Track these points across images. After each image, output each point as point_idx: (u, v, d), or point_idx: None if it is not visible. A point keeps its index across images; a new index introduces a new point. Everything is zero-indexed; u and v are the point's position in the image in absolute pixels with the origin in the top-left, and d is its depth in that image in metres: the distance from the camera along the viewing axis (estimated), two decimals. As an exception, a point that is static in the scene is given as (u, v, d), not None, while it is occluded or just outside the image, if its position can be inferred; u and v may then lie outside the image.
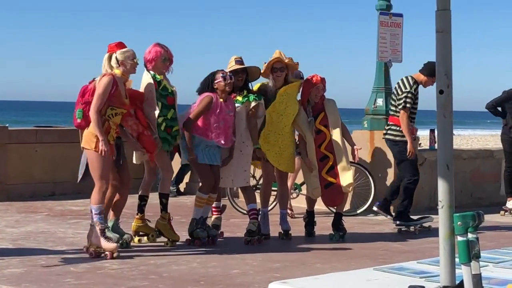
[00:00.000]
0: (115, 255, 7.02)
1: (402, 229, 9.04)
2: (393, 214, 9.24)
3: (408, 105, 8.80)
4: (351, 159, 8.61)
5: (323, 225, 8.84)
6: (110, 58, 7.26)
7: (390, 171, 10.54)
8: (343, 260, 7.26)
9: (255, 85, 8.47)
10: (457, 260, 2.99)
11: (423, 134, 13.78)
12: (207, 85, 7.88)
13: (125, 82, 7.40)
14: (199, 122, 7.80)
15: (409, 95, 8.82)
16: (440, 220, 3.08)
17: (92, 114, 7.02)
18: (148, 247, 7.69)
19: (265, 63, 8.36)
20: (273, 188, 8.92)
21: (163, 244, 7.79)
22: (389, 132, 9.10)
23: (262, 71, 8.37)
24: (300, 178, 9.85)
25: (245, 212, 9.24)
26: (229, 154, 7.98)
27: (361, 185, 10.37)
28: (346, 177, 8.35)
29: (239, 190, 9.48)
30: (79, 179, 7.39)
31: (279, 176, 8.56)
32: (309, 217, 8.68)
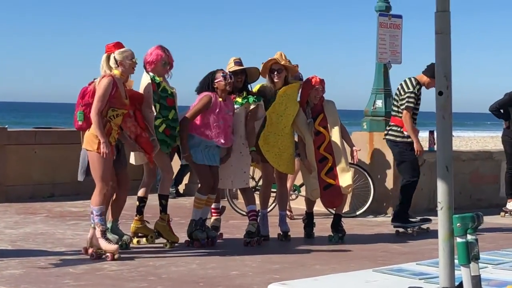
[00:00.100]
0: (116, 256, 7.02)
1: (400, 230, 9.04)
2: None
3: (411, 105, 8.80)
4: (350, 160, 8.61)
5: (322, 227, 8.84)
6: (108, 58, 7.24)
7: (389, 172, 10.55)
8: (342, 262, 7.25)
9: (254, 87, 8.47)
10: (456, 261, 2.99)
11: (423, 136, 13.80)
12: (207, 84, 7.87)
13: (124, 82, 7.40)
14: (199, 122, 7.79)
15: (412, 95, 8.83)
16: (439, 222, 3.08)
17: (93, 116, 7.01)
18: (147, 249, 7.69)
19: (263, 63, 8.36)
20: (272, 190, 8.92)
21: (162, 245, 7.79)
22: (390, 132, 9.10)
23: (260, 72, 8.37)
24: (299, 180, 9.85)
25: (244, 213, 9.24)
26: (226, 153, 7.97)
27: (360, 187, 10.37)
28: (345, 179, 8.35)
29: (238, 192, 9.48)
30: (82, 178, 7.34)
31: (278, 177, 8.56)
32: (308, 219, 8.68)
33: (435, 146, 3.97)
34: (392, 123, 9.12)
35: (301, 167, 8.61)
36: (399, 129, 8.96)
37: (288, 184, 9.37)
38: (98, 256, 7.05)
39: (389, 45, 11.04)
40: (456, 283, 3.03)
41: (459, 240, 2.94)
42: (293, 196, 10.44)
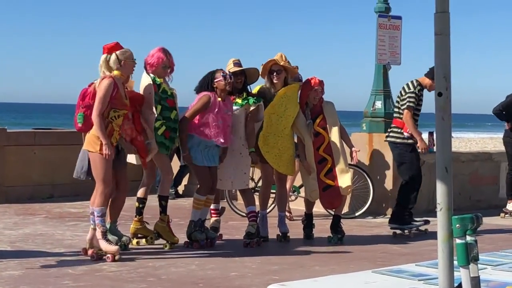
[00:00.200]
0: (116, 257, 7.01)
1: (397, 232, 9.03)
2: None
3: (411, 105, 8.80)
4: (349, 161, 8.60)
5: (322, 228, 8.84)
6: (107, 59, 7.21)
7: (389, 173, 10.55)
8: (342, 263, 7.25)
9: (254, 88, 8.46)
10: (455, 262, 2.99)
11: (422, 137, 13.76)
12: (206, 84, 7.87)
13: (124, 82, 7.39)
14: (198, 122, 7.78)
15: (413, 95, 8.84)
16: (439, 223, 3.07)
17: (94, 118, 7.00)
18: (147, 250, 7.68)
19: (262, 64, 8.36)
20: (272, 191, 8.91)
21: (161, 246, 7.78)
22: (390, 134, 9.11)
23: (260, 73, 8.37)
24: (298, 181, 9.85)
25: (243, 214, 9.24)
26: (222, 152, 7.94)
27: (360, 188, 10.37)
28: (344, 180, 8.34)
29: (238, 193, 9.48)
30: (84, 177, 7.30)
31: (278, 178, 8.55)
32: (308, 220, 8.67)
33: (435, 147, 3.96)
34: (393, 125, 9.13)
35: (301, 168, 8.61)
36: (399, 130, 8.96)
37: (288, 185, 9.37)
38: (99, 257, 7.04)
39: (388, 46, 11.04)
40: (456, 284, 3.03)
41: (458, 241, 2.94)
42: (293, 197, 10.43)
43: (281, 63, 8.30)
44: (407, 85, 8.97)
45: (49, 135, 12.13)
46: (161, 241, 7.85)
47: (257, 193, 9.02)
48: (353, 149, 8.55)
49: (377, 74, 11.19)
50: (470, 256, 2.92)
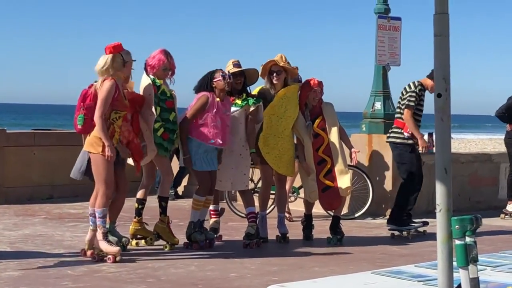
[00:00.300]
0: (118, 258, 7.01)
1: (395, 233, 9.02)
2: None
3: (411, 104, 8.80)
4: (349, 162, 8.60)
5: (321, 229, 8.83)
6: (113, 59, 7.15)
7: (388, 174, 10.55)
8: (341, 264, 7.25)
9: (254, 89, 8.45)
10: (455, 263, 2.99)
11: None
12: (205, 84, 7.86)
13: (124, 83, 7.38)
14: (196, 122, 7.76)
15: (413, 94, 8.84)
16: (438, 224, 3.07)
17: (97, 119, 6.98)
18: (146, 251, 7.68)
19: (262, 65, 8.35)
20: (271, 192, 8.91)
21: (160, 247, 7.78)
22: (391, 135, 9.12)
23: (260, 73, 8.36)
24: (298, 182, 9.85)
25: (243, 215, 9.24)
26: (219, 152, 7.93)
27: (359, 189, 10.36)
28: (344, 181, 8.34)
29: (237, 194, 9.48)
30: (80, 177, 7.29)
31: (277, 179, 8.55)
32: (307, 221, 8.67)
33: (434, 148, 3.95)
34: (394, 126, 9.14)
35: (300, 169, 8.61)
36: (400, 130, 8.96)
37: (287, 186, 9.37)
38: (101, 258, 7.04)
39: (388, 47, 11.04)
40: (455, 285, 3.03)
41: (457, 242, 2.94)
42: (292, 198, 10.43)
43: (281, 64, 8.30)
44: (408, 85, 8.98)
45: (49, 136, 12.13)
46: (160, 242, 7.85)
47: (257, 194, 9.03)
48: (352, 150, 8.55)
49: (376, 75, 11.19)
50: (469, 257, 2.92)
